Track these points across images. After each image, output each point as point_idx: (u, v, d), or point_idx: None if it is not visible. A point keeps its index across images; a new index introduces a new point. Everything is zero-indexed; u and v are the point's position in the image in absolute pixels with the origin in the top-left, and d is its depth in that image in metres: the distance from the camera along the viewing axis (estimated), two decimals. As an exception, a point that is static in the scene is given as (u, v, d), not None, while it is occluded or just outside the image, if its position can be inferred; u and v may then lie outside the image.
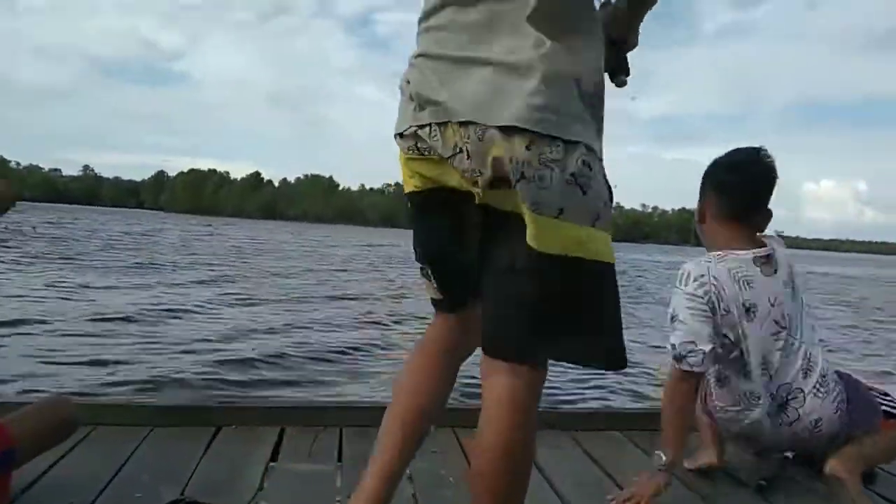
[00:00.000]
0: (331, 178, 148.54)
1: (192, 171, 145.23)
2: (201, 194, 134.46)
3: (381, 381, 5.41)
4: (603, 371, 1.67)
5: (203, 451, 2.13)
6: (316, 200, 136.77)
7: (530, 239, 1.05)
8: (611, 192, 1.12)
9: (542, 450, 2.29)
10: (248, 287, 12.10)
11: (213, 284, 12.21)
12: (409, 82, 1.14)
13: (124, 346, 6.02)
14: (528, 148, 1.01)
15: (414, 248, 1.34)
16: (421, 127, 1.11)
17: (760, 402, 1.98)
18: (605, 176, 1.11)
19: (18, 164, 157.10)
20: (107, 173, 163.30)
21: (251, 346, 6.44)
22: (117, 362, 5.34)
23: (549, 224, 1.04)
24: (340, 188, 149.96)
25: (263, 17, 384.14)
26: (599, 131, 1.11)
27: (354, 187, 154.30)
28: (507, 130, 1.01)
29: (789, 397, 1.97)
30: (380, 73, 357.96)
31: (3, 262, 13.34)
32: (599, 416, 2.76)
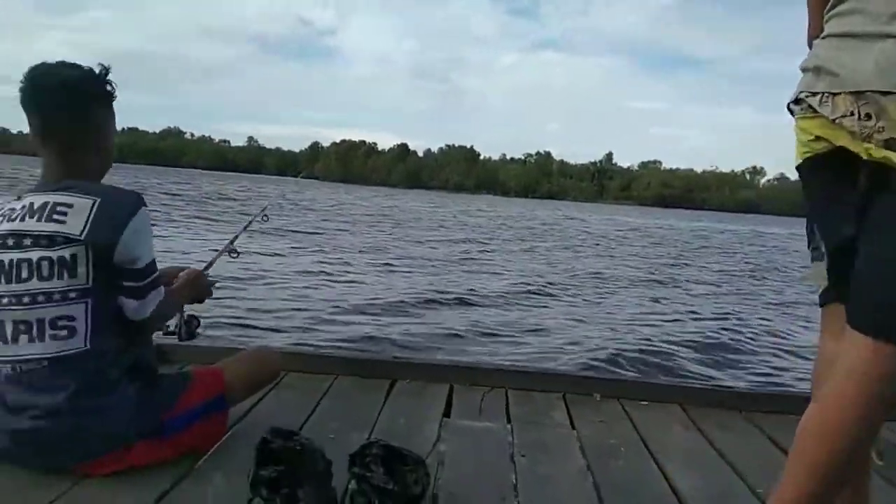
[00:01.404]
0: (472, 147, 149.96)
1: (343, 141, 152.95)
2: (352, 164, 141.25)
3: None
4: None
5: (382, 401, 2.27)
6: (458, 170, 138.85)
7: None
8: None
9: (716, 431, 2.21)
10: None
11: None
12: (814, 59, 1.22)
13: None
14: None
15: (808, 231, 1.30)
16: (813, 94, 1.19)
17: None
18: None
19: (192, 135, 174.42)
20: (269, 144, 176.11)
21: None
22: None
23: None
24: (482, 157, 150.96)
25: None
26: None
27: (495, 157, 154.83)
28: None
29: None
30: (524, 41, 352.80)
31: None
32: (777, 399, 2.60)
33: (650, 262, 15.57)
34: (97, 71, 1.60)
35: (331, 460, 1.52)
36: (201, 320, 1.99)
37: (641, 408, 2.41)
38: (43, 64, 1.57)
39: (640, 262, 15.63)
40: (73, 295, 1.50)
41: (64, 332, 1.50)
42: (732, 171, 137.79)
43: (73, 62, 1.60)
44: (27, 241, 1.50)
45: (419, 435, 1.98)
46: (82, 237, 1.48)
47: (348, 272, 9.65)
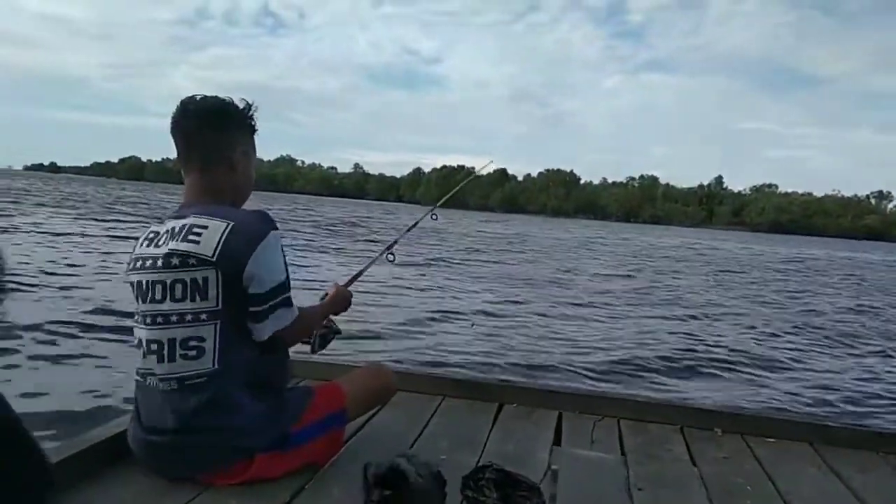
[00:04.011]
0: (572, 171, 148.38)
1: (443, 167, 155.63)
2: (450, 189, 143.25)
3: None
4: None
5: (491, 424, 2.25)
6: (556, 194, 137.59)
7: None
8: None
9: (852, 472, 2.03)
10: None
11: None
12: None
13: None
14: None
15: None
16: None
17: None
18: None
19: (303, 162, 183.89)
20: (373, 170, 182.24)
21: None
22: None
23: None
24: (582, 182, 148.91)
25: (516, 15, 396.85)
26: None
27: (596, 181, 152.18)
28: None
29: None
30: (628, 63, 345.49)
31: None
32: None
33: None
34: (241, 105, 1.70)
35: (445, 480, 1.51)
36: (340, 331, 2.05)
37: (768, 445, 2.24)
38: (192, 95, 1.69)
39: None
40: (203, 316, 1.55)
41: (193, 353, 1.55)
42: (855, 195, 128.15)
43: (217, 95, 1.70)
44: (162, 263, 1.57)
45: (530, 461, 1.93)
46: (213, 258, 1.53)
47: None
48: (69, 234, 14.34)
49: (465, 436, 2.11)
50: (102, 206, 27.17)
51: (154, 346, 1.58)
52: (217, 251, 1.54)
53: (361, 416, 2.04)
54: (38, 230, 14.15)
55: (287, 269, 1.65)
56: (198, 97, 1.68)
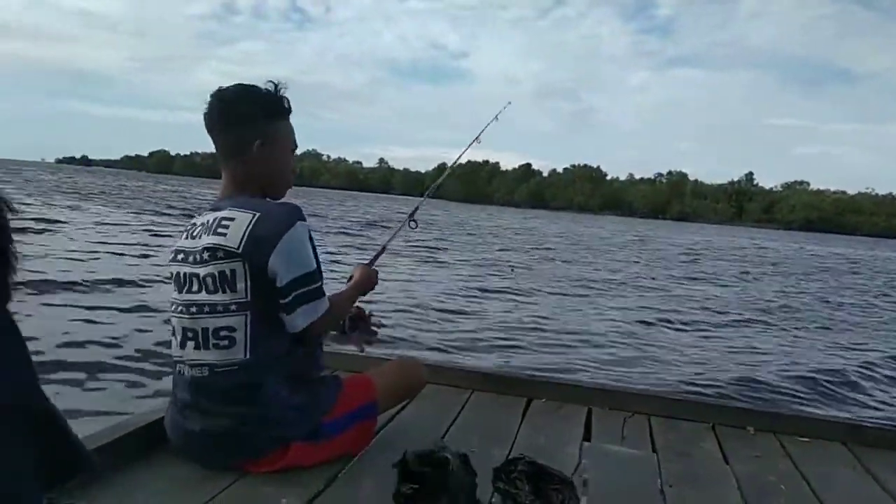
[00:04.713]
0: (598, 167, 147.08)
1: (468, 162, 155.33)
2: (476, 184, 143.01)
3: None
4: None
5: (520, 419, 2.25)
6: (582, 190, 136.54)
7: None
8: None
9: (887, 474, 2.00)
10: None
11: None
12: None
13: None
14: None
15: None
16: None
17: None
18: None
19: (329, 157, 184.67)
20: (398, 165, 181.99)
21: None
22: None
23: None
24: (608, 178, 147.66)
25: (542, 11, 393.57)
26: None
27: (623, 177, 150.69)
28: None
29: None
30: (656, 59, 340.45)
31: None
32: None
33: None
34: (264, 89, 1.67)
35: (475, 472, 1.52)
36: (378, 326, 2.05)
37: (801, 444, 2.21)
38: (219, 88, 1.68)
39: None
40: (234, 307, 1.58)
41: (225, 342, 1.58)
42: (890, 193, 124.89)
43: (241, 83, 1.68)
44: (197, 257, 1.61)
45: (560, 456, 1.92)
46: (240, 250, 1.55)
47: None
48: (112, 224, 14.67)
49: (495, 430, 2.11)
50: (144, 199, 27.70)
51: (190, 335, 1.61)
52: (242, 243, 1.55)
53: (392, 409, 2.06)
54: (77, 222, 14.45)
55: (317, 260, 1.66)
56: (221, 88, 1.67)
